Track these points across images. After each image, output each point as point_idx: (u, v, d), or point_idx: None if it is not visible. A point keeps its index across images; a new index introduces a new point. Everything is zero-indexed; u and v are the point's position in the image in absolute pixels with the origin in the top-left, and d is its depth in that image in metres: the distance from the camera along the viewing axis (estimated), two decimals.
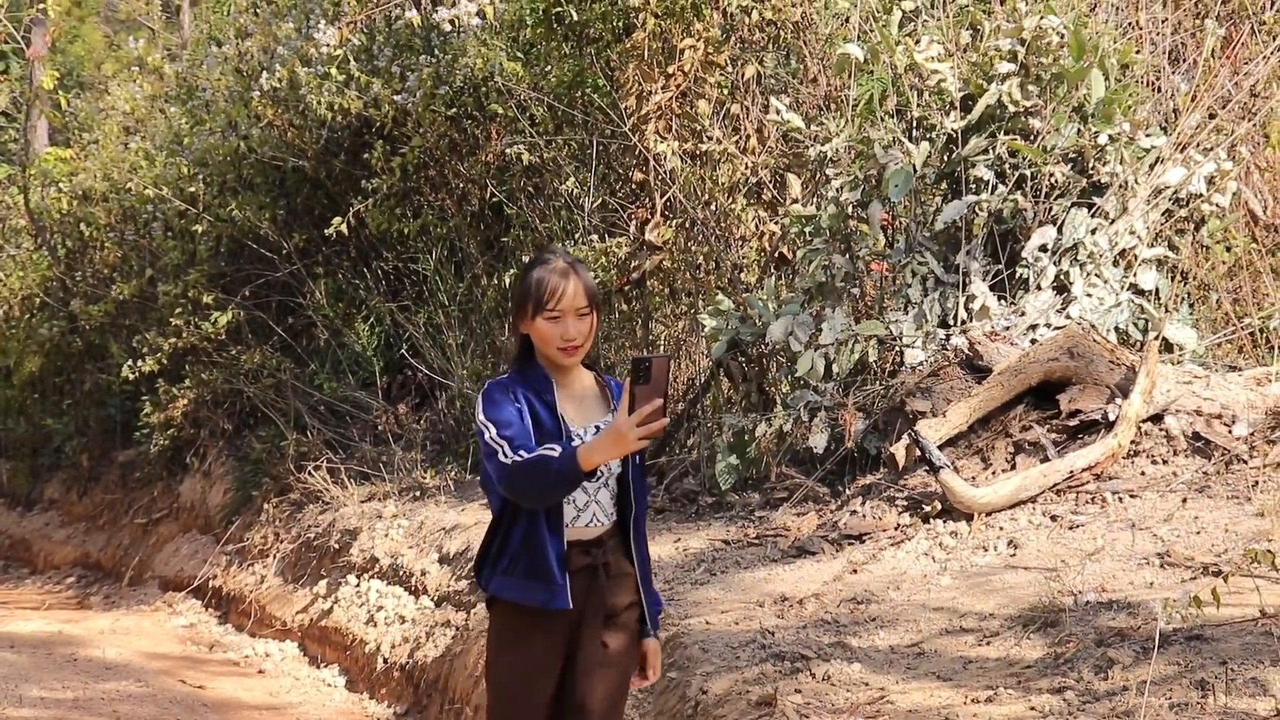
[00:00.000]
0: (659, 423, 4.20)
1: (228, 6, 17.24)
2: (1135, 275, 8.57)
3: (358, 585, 10.96)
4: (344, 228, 12.35)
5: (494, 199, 12.24)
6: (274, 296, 14.80)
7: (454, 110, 12.40)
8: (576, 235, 10.72)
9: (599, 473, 4.47)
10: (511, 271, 12.03)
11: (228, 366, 14.66)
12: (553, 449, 4.32)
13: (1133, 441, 7.60)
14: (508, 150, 11.46)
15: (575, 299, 4.45)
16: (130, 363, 14.85)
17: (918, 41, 8.76)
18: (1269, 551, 5.79)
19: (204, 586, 13.91)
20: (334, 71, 12.78)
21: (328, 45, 11.66)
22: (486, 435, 4.39)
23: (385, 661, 10.09)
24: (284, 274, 14.35)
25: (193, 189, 15.05)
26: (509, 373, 4.60)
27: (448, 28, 11.19)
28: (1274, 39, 9.52)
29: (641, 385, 4.15)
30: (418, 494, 11.60)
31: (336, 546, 11.65)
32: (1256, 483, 7.03)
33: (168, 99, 17.54)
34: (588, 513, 4.55)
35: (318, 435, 13.46)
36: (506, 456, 4.33)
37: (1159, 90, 9.37)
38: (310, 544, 12.21)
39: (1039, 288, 8.47)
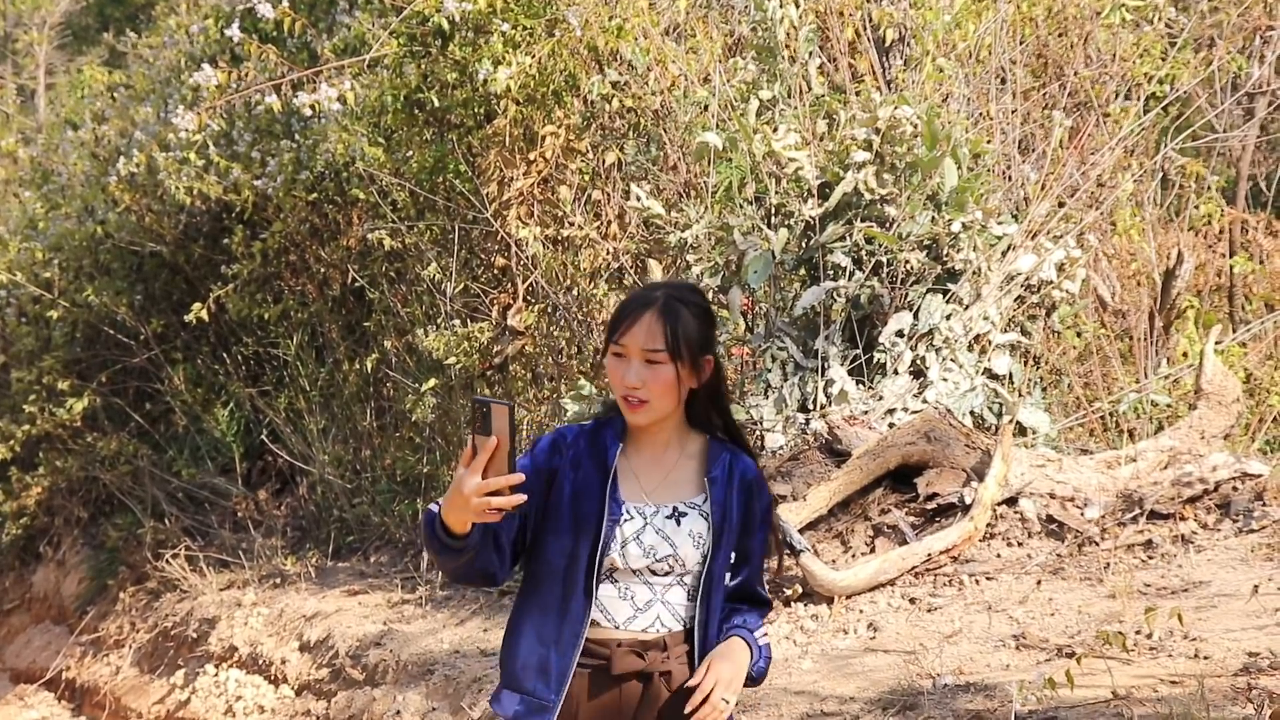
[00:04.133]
0: (506, 479, 3.36)
1: (84, 90, 17.08)
2: (989, 360, 8.72)
3: (216, 675, 10.78)
4: (204, 313, 12.25)
5: (355, 284, 12.20)
6: (131, 382, 14.62)
7: (315, 195, 12.38)
8: (439, 320, 10.70)
9: (667, 566, 3.64)
10: (374, 356, 11.98)
11: (83, 453, 14.43)
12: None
13: (988, 524, 7.70)
14: (369, 235, 11.44)
15: (646, 338, 3.57)
16: None
17: (775, 130, 8.88)
18: (1120, 633, 5.90)
19: (57, 678, 13.61)
20: (193, 156, 12.71)
21: (186, 130, 11.57)
22: None
23: None
24: (142, 359, 14.20)
25: (48, 274, 14.86)
26: (593, 420, 3.81)
27: (308, 113, 11.15)
28: (1119, 129, 9.78)
29: (481, 435, 3.38)
30: (278, 581, 11.46)
31: (194, 635, 11.47)
32: (1108, 564, 7.16)
33: (22, 183, 17.33)
34: (649, 614, 3.67)
35: (176, 522, 13.27)
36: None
37: (1009, 179, 9.58)
38: (167, 633, 12.00)
39: (896, 372, 8.59)
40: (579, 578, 3.62)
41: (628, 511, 3.64)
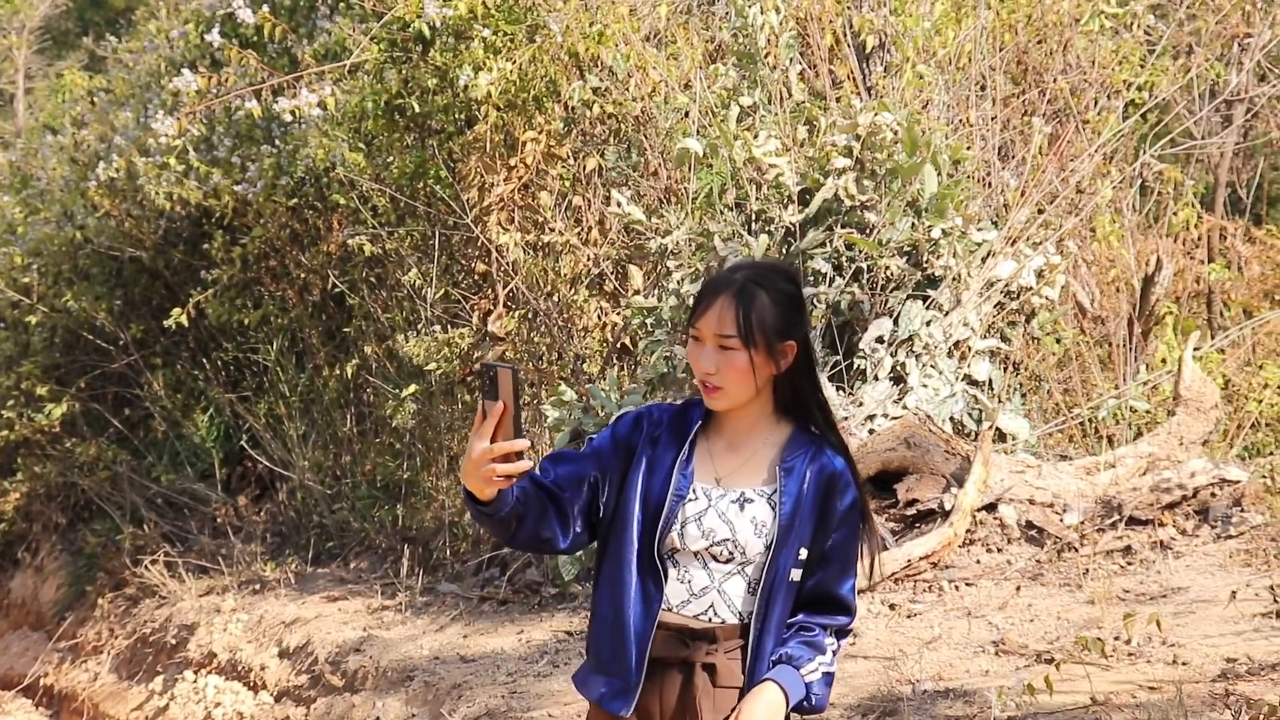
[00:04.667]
0: (511, 445, 3.30)
1: (64, 95, 17.04)
2: (969, 366, 8.73)
3: (195, 681, 10.74)
4: (183, 319, 12.22)
5: (336, 289, 12.19)
6: (110, 388, 14.57)
7: (295, 200, 12.36)
8: (419, 326, 10.70)
9: (726, 551, 3.52)
10: (354, 362, 11.97)
11: (62, 459, 14.38)
12: None
13: (968, 530, 7.73)
14: (350, 241, 11.43)
15: (719, 323, 3.48)
16: None
17: (756, 136, 8.89)
18: (1099, 639, 5.92)
19: (35, 685, 13.55)
20: (173, 161, 12.69)
21: (166, 135, 11.55)
22: None
23: None
24: (121, 365, 14.15)
25: (27, 279, 14.79)
26: (684, 400, 3.73)
27: (289, 118, 11.13)
28: (1098, 136, 9.81)
29: (490, 400, 3.32)
30: (257, 587, 11.44)
31: (173, 642, 11.43)
32: (1087, 570, 7.18)
33: (1, 188, 17.26)
34: (703, 600, 3.55)
35: (155, 528, 13.23)
36: None
37: (989, 186, 9.60)
38: (146, 639, 11.96)
39: (876, 378, 8.60)
40: (639, 554, 3.54)
41: (694, 492, 3.54)
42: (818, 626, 3.63)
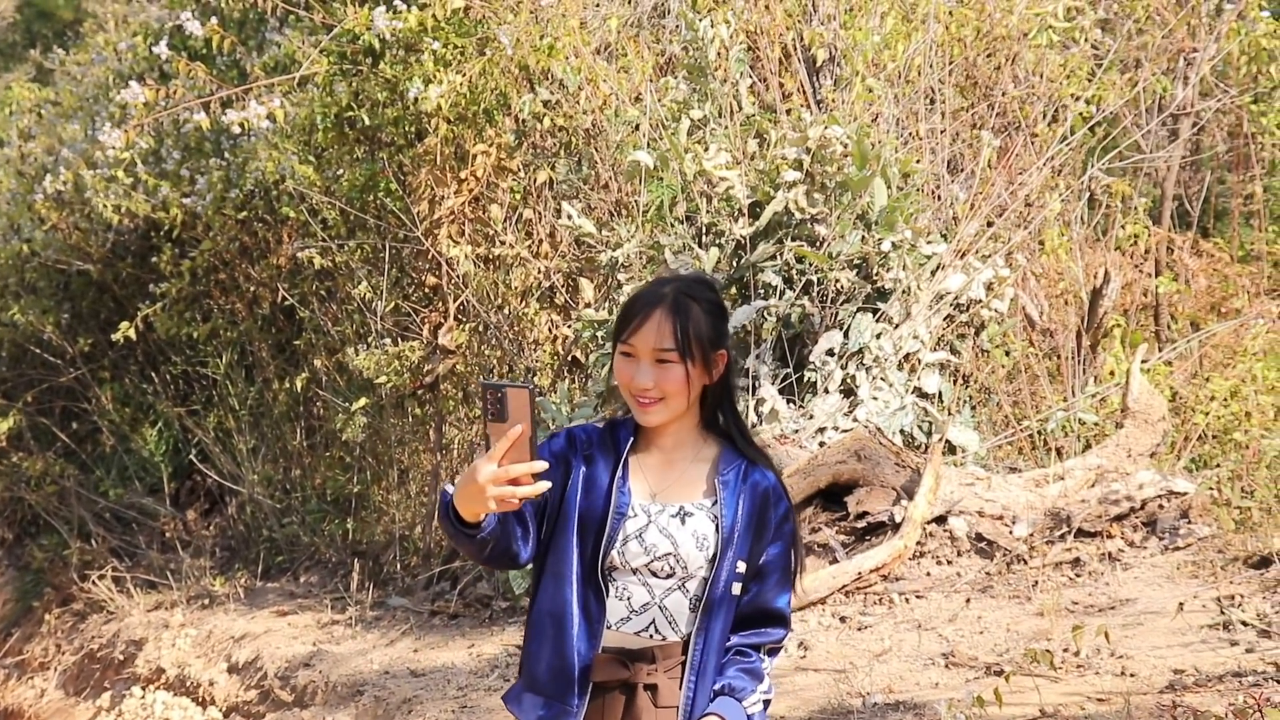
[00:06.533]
0: (528, 466, 3.25)
1: (10, 107, 16.92)
2: (919, 379, 8.75)
3: (143, 697, 10.66)
4: (131, 332, 12.14)
5: (285, 302, 12.13)
6: (58, 401, 14.48)
7: (245, 213, 12.30)
8: (369, 339, 10.66)
9: (668, 566, 3.50)
10: (304, 375, 11.92)
11: (8, 474, 14.26)
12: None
13: (918, 542, 7.74)
14: (299, 254, 11.38)
15: (656, 338, 3.48)
16: None
17: (706, 149, 8.90)
18: (1048, 651, 5.94)
19: None
20: (121, 174, 12.61)
21: (114, 147, 11.49)
22: None
23: None
24: (69, 378, 14.06)
25: None
26: (605, 421, 3.70)
27: (237, 131, 11.09)
28: (1046, 149, 9.86)
29: (496, 422, 3.25)
30: (206, 602, 11.37)
31: (121, 657, 11.35)
32: (1036, 582, 7.21)
33: None
34: (644, 617, 3.51)
35: (103, 543, 13.14)
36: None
37: (939, 199, 9.63)
38: (94, 655, 11.87)
39: (826, 391, 8.61)
40: (579, 572, 3.51)
41: (633, 509, 3.51)
42: (754, 651, 3.63)
